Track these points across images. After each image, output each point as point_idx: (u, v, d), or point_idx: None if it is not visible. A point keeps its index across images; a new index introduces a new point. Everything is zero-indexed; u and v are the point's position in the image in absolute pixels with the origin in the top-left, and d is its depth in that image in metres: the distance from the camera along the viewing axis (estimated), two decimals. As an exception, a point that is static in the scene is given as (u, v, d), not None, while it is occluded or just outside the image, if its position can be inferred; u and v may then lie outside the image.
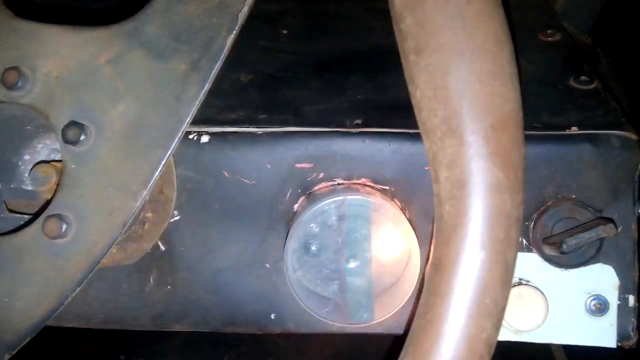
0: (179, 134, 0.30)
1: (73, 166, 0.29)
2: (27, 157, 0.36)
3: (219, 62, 0.30)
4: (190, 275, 0.41)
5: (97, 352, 1.10)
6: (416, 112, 0.27)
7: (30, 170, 0.33)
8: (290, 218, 0.40)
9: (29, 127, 0.35)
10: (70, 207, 0.29)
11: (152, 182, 0.29)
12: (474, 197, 0.24)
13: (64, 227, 0.29)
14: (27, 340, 0.30)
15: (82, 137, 0.29)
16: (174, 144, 0.30)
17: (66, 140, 0.29)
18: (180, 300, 0.41)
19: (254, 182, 0.40)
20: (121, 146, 0.29)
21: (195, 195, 0.40)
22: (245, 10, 0.32)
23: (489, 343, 0.24)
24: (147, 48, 0.30)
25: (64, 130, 0.29)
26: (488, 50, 0.25)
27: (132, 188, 0.29)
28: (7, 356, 0.30)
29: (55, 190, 0.30)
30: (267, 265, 0.41)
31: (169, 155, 0.30)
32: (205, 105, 0.42)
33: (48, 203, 0.30)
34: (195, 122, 0.40)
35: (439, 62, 0.25)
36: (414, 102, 0.26)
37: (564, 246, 0.35)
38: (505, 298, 0.25)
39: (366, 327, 0.40)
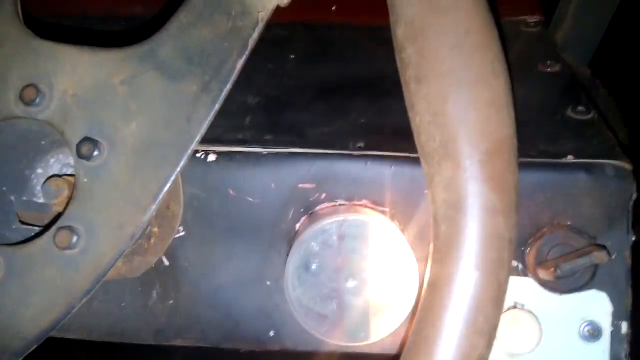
0: (188, 152, 0.31)
1: (85, 180, 0.31)
2: (39, 170, 0.38)
3: (229, 84, 0.32)
4: (192, 290, 0.42)
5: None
6: (415, 136, 0.28)
7: (43, 183, 0.34)
8: (291, 237, 0.41)
9: (43, 142, 0.36)
10: (81, 219, 0.30)
11: (160, 197, 0.30)
12: (468, 219, 0.25)
13: (74, 238, 0.30)
14: (33, 348, 0.31)
15: (95, 153, 0.30)
16: (182, 162, 0.31)
17: (80, 155, 0.30)
18: (182, 315, 0.42)
19: (258, 200, 0.41)
20: (132, 162, 0.30)
21: (201, 212, 0.41)
22: (255, 35, 0.33)
23: (481, 357, 0.25)
24: (160, 70, 0.31)
25: (78, 146, 0.31)
26: (484, 80, 0.26)
27: (141, 203, 0.30)
28: None
29: (67, 203, 0.31)
30: (268, 283, 0.41)
31: (178, 172, 0.31)
32: (213, 125, 0.44)
33: (59, 215, 0.32)
34: (203, 141, 0.41)
35: (438, 90, 0.26)
36: (413, 127, 0.28)
37: (558, 271, 0.36)
38: (498, 317, 0.26)
39: (363, 347, 0.41)
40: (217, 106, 0.31)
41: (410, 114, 0.28)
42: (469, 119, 0.26)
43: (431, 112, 0.26)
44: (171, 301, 0.42)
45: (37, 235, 0.31)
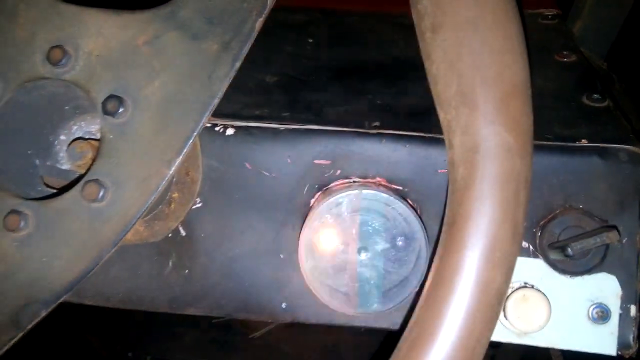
0: (210, 108, 0.32)
1: (111, 136, 0.31)
2: (62, 137, 0.39)
3: (249, 43, 0.32)
4: (207, 260, 0.43)
5: (106, 350, 1.11)
6: (431, 85, 0.29)
7: (68, 145, 0.35)
8: (306, 211, 0.42)
9: (66, 107, 0.37)
10: (108, 173, 0.31)
11: (184, 151, 0.31)
12: (486, 160, 0.26)
13: (102, 191, 0.31)
14: (62, 299, 0.32)
15: (121, 110, 0.31)
16: (205, 118, 0.32)
17: (106, 112, 0.31)
18: (197, 284, 0.43)
19: (274, 175, 0.42)
20: (156, 118, 0.31)
21: (218, 184, 0.42)
22: None
23: (499, 293, 0.26)
24: (182, 30, 0.32)
25: (103, 103, 0.32)
26: (500, 27, 0.27)
27: (166, 157, 0.31)
28: (44, 313, 0.32)
29: (94, 159, 0.32)
30: (282, 256, 0.42)
31: (201, 127, 0.32)
32: (232, 101, 0.45)
33: (83, 176, 0.33)
34: (221, 115, 0.43)
35: (453, 38, 0.27)
36: (429, 77, 0.29)
37: (569, 249, 0.36)
38: (515, 253, 0.27)
39: (372, 321, 0.41)
40: (237, 64, 0.32)
41: (427, 64, 0.29)
42: (484, 65, 0.26)
43: (447, 60, 0.27)
44: (186, 270, 0.43)
45: (65, 189, 0.32)
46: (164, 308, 0.43)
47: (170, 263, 0.43)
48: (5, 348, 0.32)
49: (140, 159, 0.31)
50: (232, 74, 0.32)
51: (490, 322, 0.26)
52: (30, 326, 0.32)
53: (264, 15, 0.32)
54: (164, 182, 0.31)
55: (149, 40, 0.32)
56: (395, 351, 0.27)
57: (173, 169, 0.31)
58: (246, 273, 0.42)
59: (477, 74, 0.26)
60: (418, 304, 0.27)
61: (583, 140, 0.41)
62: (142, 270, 0.43)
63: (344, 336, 0.96)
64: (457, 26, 0.27)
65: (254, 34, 0.32)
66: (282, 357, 0.99)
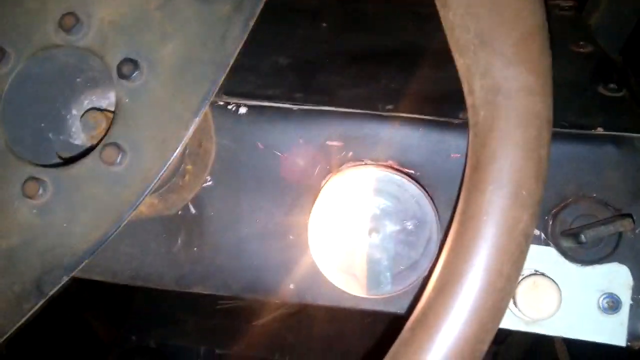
0: (225, 69, 0.32)
1: (127, 100, 0.31)
2: (74, 111, 0.38)
3: (261, 2, 0.32)
4: (216, 239, 0.42)
5: (109, 334, 1.12)
6: (448, 33, 0.29)
7: (82, 116, 0.35)
8: (317, 193, 0.41)
9: (78, 80, 0.37)
10: (126, 137, 0.31)
11: (201, 112, 0.31)
12: (507, 101, 0.26)
13: (120, 155, 0.31)
14: (84, 263, 0.32)
15: (136, 73, 0.31)
16: (220, 78, 0.31)
17: (121, 76, 0.31)
18: (205, 263, 0.43)
19: (285, 155, 0.42)
20: (172, 80, 0.31)
21: (229, 163, 0.42)
22: None
23: (526, 233, 0.26)
24: None
25: (118, 67, 0.31)
26: None
27: (182, 118, 0.31)
28: (66, 278, 0.32)
29: (111, 123, 0.32)
30: (291, 237, 0.42)
31: (217, 88, 0.31)
32: (245, 80, 0.45)
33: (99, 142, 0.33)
34: (234, 94, 0.42)
35: None
36: (446, 25, 0.29)
37: (582, 236, 0.36)
38: (540, 192, 0.27)
39: (381, 304, 0.41)
40: (251, 24, 0.32)
41: (442, 12, 0.29)
42: (502, 7, 0.27)
43: (464, 5, 0.27)
44: (195, 249, 0.43)
45: (84, 153, 0.32)
46: (171, 286, 0.43)
47: (179, 241, 0.43)
48: (29, 315, 0.32)
49: (157, 121, 0.31)
50: (246, 33, 0.32)
51: (518, 261, 0.26)
52: (52, 292, 0.32)
53: None
54: (182, 144, 0.31)
55: (160, 4, 0.32)
56: (425, 295, 0.27)
57: (190, 129, 0.31)
58: (255, 253, 0.42)
59: (495, 16, 0.27)
60: (444, 248, 0.27)
61: (598, 128, 0.40)
62: (151, 247, 0.43)
63: (348, 325, 0.96)
64: None
65: None
66: (285, 345, 0.99)
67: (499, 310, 0.26)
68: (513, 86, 0.26)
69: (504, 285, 0.26)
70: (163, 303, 1.04)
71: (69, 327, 1.02)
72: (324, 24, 0.57)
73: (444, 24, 0.29)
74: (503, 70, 0.26)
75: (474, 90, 0.27)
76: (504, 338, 0.91)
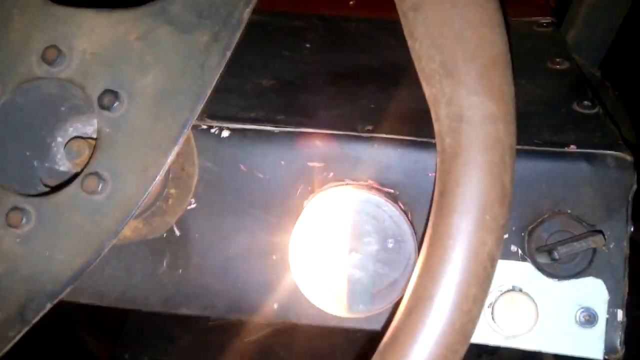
0: (204, 98, 0.33)
1: (108, 130, 0.32)
2: (59, 139, 0.39)
3: (238, 32, 0.33)
4: (201, 261, 0.43)
5: (102, 351, 1.12)
6: (416, 62, 0.30)
7: (66, 144, 0.36)
8: (299, 213, 0.42)
9: (62, 108, 0.38)
10: (107, 166, 0.32)
11: (180, 140, 0.32)
12: (471, 128, 0.27)
13: (101, 184, 0.32)
14: (67, 290, 0.32)
15: (116, 104, 0.32)
16: (199, 107, 0.32)
17: (102, 107, 0.32)
18: (191, 284, 0.43)
19: (267, 177, 0.43)
20: (152, 110, 0.32)
21: (212, 185, 0.43)
22: None
23: (491, 257, 0.27)
24: (172, 24, 0.33)
25: (99, 98, 0.32)
26: (477, 2, 0.28)
27: (162, 147, 0.32)
28: (49, 305, 0.32)
29: (92, 153, 0.33)
30: (274, 257, 0.43)
31: (195, 116, 0.32)
32: (227, 104, 0.46)
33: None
34: (217, 117, 0.43)
35: (434, 14, 0.28)
36: (413, 54, 0.30)
37: (556, 253, 0.37)
38: (504, 216, 0.28)
39: (363, 322, 0.42)
40: (228, 53, 0.33)
41: (410, 42, 0.30)
42: (465, 38, 0.28)
43: (429, 36, 0.28)
44: (180, 270, 0.43)
45: (66, 183, 0.33)
46: (157, 307, 0.44)
47: (164, 263, 0.43)
48: (12, 343, 0.32)
49: (137, 150, 0.32)
50: (224, 63, 0.33)
51: (484, 284, 0.27)
52: (35, 320, 0.32)
53: (251, 5, 0.33)
54: (161, 172, 0.31)
55: (140, 35, 0.33)
56: (395, 319, 0.28)
57: (170, 158, 0.31)
58: (239, 274, 0.43)
59: (458, 47, 0.28)
60: (415, 270, 0.28)
61: (572, 145, 0.41)
62: (136, 270, 0.44)
63: (340, 340, 0.97)
64: (436, 3, 0.28)
65: (243, 24, 0.33)
66: (277, 360, 0.99)
67: (467, 332, 0.27)
68: (476, 114, 0.27)
69: (470, 308, 0.26)
70: (157, 320, 1.04)
71: (62, 345, 1.02)
72: (307, 45, 0.58)
73: (411, 53, 0.30)
74: (467, 99, 0.27)
75: (440, 118, 0.28)
76: (495, 349, 0.92)
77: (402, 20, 0.31)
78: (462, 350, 0.27)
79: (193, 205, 0.43)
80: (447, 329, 0.26)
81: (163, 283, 0.44)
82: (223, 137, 0.43)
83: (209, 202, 0.43)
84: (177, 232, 0.43)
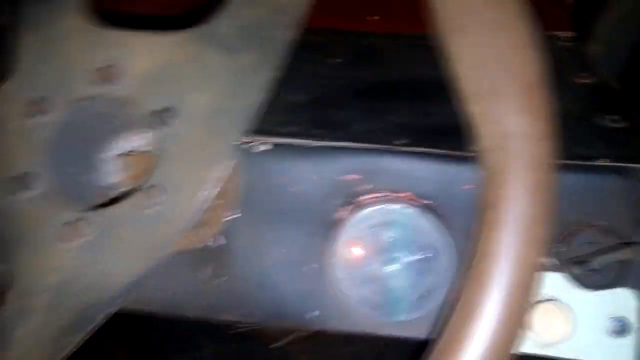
0: (252, 116, 0.34)
1: (165, 145, 0.34)
2: (109, 154, 0.41)
3: (285, 53, 0.35)
4: (244, 269, 0.45)
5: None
6: (459, 83, 0.32)
7: (120, 158, 0.37)
8: (336, 224, 0.44)
9: (113, 125, 0.40)
10: (165, 179, 0.34)
11: (232, 154, 0.34)
12: (517, 146, 0.29)
13: (157, 197, 0.33)
14: (122, 301, 0.34)
15: (172, 120, 0.34)
16: (248, 124, 0.34)
17: (158, 123, 0.34)
18: (233, 292, 0.45)
19: (305, 189, 0.44)
20: (205, 126, 0.34)
21: (254, 197, 0.44)
22: (303, 9, 0.37)
23: (536, 268, 0.29)
24: (221, 46, 0.35)
25: (156, 114, 0.34)
26: (519, 24, 0.31)
27: (216, 160, 0.33)
28: (106, 314, 0.34)
29: (151, 166, 0.34)
30: (315, 266, 0.44)
31: (245, 132, 0.34)
32: (264, 119, 0.47)
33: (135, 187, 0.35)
34: (256, 132, 0.45)
35: (479, 37, 0.30)
36: (455, 75, 0.32)
37: (591, 263, 0.38)
38: (548, 231, 0.30)
39: (401, 330, 0.43)
40: (276, 72, 0.35)
41: (450, 63, 0.32)
42: (509, 60, 0.29)
43: (474, 58, 0.30)
44: (225, 278, 0.45)
45: (121, 197, 0.34)
46: (199, 315, 0.45)
47: (208, 271, 0.45)
48: (67, 351, 0.34)
49: (194, 164, 0.33)
50: (271, 81, 0.34)
51: (530, 293, 0.29)
52: (90, 329, 0.34)
53: (297, 26, 0.35)
54: (216, 184, 0.33)
55: (191, 57, 0.35)
56: (443, 327, 0.29)
57: (224, 170, 0.33)
58: (280, 282, 0.44)
59: (502, 68, 0.30)
60: (465, 276, 0.30)
61: (602, 159, 0.43)
62: (182, 278, 0.45)
63: (363, 349, 0.97)
64: (481, 26, 0.30)
65: (289, 44, 0.35)
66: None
67: (514, 340, 0.28)
68: (522, 132, 0.29)
69: (517, 318, 0.28)
70: (181, 329, 1.05)
71: (89, 353, 1.03)
72: (335, 60, 0.60)
73: (450, 73, 0.32)
74: (512, 118, 0.29)
75: (484, 136, 0.30)
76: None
77: (443, 42, 0.32)
78: (510, 356, 0.28)
79: (237, 215, 0.44)
80: (496, 337, 0.27)
81: (206, 290, 0.45)
82: (261, 151, 0.44)
83: (251, 213, 0.44)
84: (222, 241, 0.45)
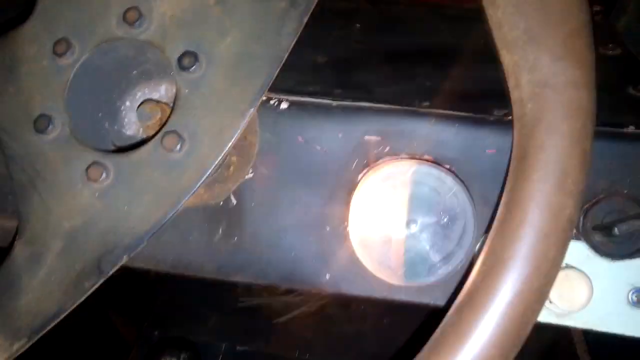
0: (280, 63, 0.33)
1: (187, 91, 0.33)
2: (128, 103, 0.40)
3: (313, 2, 0.34)
4: (255, 230, 0.44)
5: (130, 330, 1.14)
6: (495, 30, 0.30)
7: (138, 106, 0.37)
8: (354, 186, 0.43)
9: (134, 72, 0.39)
10: (185, 125, 0.33)
11: (256, 103, 0.33)
12: (555, 94, 0.27)
13: (179, 142, 0.32)
14: (142, 245, 0.33)
15: (195, 65, 0.33)
16: (275, 72, 0.33)
17: (181, 68, 0.33)
18: (245, 252, 0.44)
19: (325, 149, 0.43)
20: (229, 73, 0.33)
21: (270, 156, 0.44)
22: None
23: (570, 220, 0.27)
24: None
25: (179, 59, 0.33)
26: None
27: (239, 109, 0.32)
28: (126, 258, 0.33)
29: (170, 112, 0.33)
30: (327, 229, 0.44)
31: (271, 81, 0.33)
32: (285, 77, 0.46)
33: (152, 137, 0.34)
34: (275, 90, 0.44)
35: None
36: (493, 22, 0.30)
37: (616, 229, 0.37)
38: (584, 182, 0.28)
39: (415, 295, 0.43)
40: (305, 19, 0.33)
41: (490, 10, 0.30)
42: (550, 5, 0.28)
43: (513, 4, 0.29)
44: (235, 238, 0.44)
45: (145, 141, 0.34)
46: (211, 274, 0.45)
47: (220, 231, 0.44)
48: (88, 294, 0.33)
49: (215, 111, 0.32)
50: (300, 29, 0.33)
51: (563, 246, 0.28)
52: (111, 272, 0.33)
53: None
54: (237, 133, 0.32)
55: (219, 0, 0.34)
56: (470, 279, 0.29)
57: (246, 120, 0.32)
58: (293, 244, 0.44)
59: (543, 14, 0.28)
60: (488, 235, 0.29)
61: (630, 127, 0.42)
62: (192, 237, 0.45)
63: (366, 326, 0.97)
64: None
65: None
66: (304, 344, 1.00)
67: (544, 293, 0.27)
68: (561, 80, 0.28)
69: (549, 269, 0.27)
70: (185, 300, 1.05)
71: (91, 323, 1.04)
72: (358, 25, 0.59)
73: (490, 21, 0.31)
74: (551, 65, 0.28)
75: (521, 84, 0.29)
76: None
77: None
78: (539, 311, 0.27)
79: (250, 175, 0.44)
80: (525, 288, 0.26)
81: (218, 250, 0.44)
82: (282, 109, 0.44)
83: (266, 172, 0.44)
84: (234, 201, 0.44)
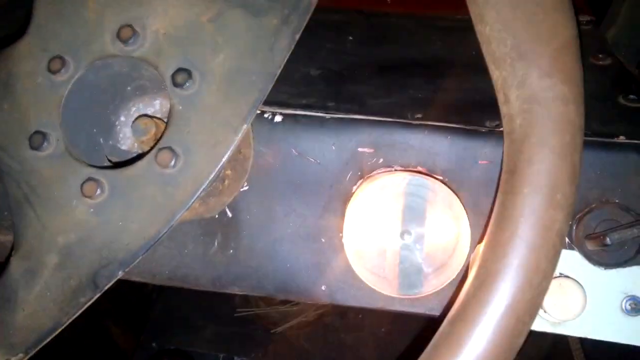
0: (273, 79, 0.34)
1: (180, 107, 0.33)
2: (122, 118, 0.41)
3: (307, 15, 0.34)
4: (251, 242, 0.44)
5: (127, 340, 1.13)
6: (484, 46, 0.31)
7: (133, 122, 0.37)
8: (348, 198, 0.43)
9: (128, 89, 0.39)
10: (179, 141, 0.33)
11: (250, 119, 0.33)
12: (543, 109, 0.28)
13: (174, 158, 0.33)
14: (138, 260, 0.34)
15: (189, 82, 0.33)
16: (268, 87, 0.33)
17: (175, 84, 0.33)
18: (240, 264, 0.44)
19: (318, 161, 0.44)
20: (223, 89, 0.33)
21: (264, 168, 0.44)
22: None
23: (561, 233, 0.28)
24: (244, 7, 0.34)
25: (172, 76, 0.34)
26: None
27: (232, 124, 0.33)
28: (121, 273, 0.34)
29: (165, 128, 0.34)
30: (323, 240, 0.44)
31: (264, 97, 0.33)
32: (279, 91, 0.47)
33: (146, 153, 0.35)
34: (270, 103, 0.44)
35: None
36: (482, 38, 0.31)
37: (607, 239, 0.37)
38: (574, 195, 0.28)
39: (410, 305, 0.43)
40: (297, 36, 0.34)
41: (479, 27, 0.31)
42: (538, 22, 0.28)
43: (501, 20, 0.29)
44: (231, 251, 0.44)
45: (139, 157, 0.34)
46: (207, 286, 0.45)
47: (215, 243, 0.45)
48: (83, 308, 0.34)
49: (208, 128, 0.33)
50: (292, 45, 0.34)
51: (554, 259, 0.28)
52: (106, 287, 0.33)
53: None
54: (231, 149, 0.33)
55: (212, 17, 0.34)
56: (463, 291, 0.29)
57: (240, 135, 0.33)
58: (288, 255, 0.44)
59: (531, 30, 0.28)
60: (483, 244, 0.29)
61: (621, 137, 0.42)
62: (188, 249, 0.45)
63: (363, 336, 0.98)
64: None
65: (312, 8, 0.34)
66: (301, 353, 1.00)
67: (535, 305, 0.27)
68: (549, 96, 0.28)
69: (540, 282, 0.27)
70: (182, 311, 1.05)
71: (88, 334, 1.04)
72: (350, 38, 0.59)
73: (479, 37, 0.31)
74: (539, 81, 0.28)
75: (510, 100, 0.29)
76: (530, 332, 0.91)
77: (471, 5, 0.31)
78: (531, 323, 0.28)
79: (245, 188, 0.44)
80: (517, 300, 0.27)
81: (214, 262, 0.45)
82: (276, 122, 0.44)
83: (261, 184, 0.44)
84: (229, 213, 0.44)
